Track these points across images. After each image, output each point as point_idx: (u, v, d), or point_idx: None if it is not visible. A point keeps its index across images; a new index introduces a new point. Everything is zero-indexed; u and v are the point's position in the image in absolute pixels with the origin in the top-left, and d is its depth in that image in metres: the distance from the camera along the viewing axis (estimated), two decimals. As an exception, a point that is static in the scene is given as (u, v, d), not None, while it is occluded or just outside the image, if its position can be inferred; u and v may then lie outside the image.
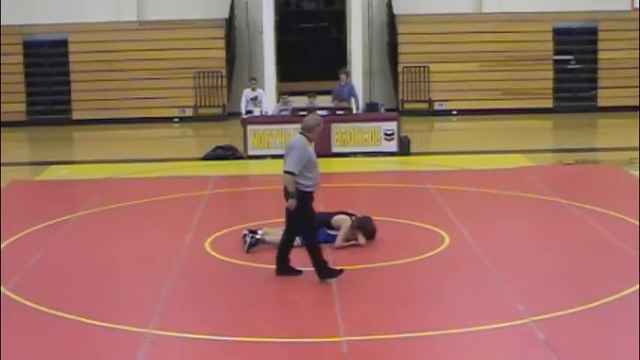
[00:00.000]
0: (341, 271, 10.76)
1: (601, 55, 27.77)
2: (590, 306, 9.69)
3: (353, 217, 12.45)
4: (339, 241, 12.26)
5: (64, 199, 16.69)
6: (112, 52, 27.35)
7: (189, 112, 27.40)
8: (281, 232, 12.41)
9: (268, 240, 12.32)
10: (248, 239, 12.25)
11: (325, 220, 12.52)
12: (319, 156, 19.58)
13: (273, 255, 11.94)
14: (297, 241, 12.31)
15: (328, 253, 11.95)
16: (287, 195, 10.59)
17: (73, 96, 27.51)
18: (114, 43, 27.38)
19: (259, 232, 12.40)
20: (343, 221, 12.37)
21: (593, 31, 27.87)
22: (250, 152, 20.25)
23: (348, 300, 10.04)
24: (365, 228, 12.40)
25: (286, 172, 10.54)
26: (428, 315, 9.65)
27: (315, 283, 10.83)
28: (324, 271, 10.73)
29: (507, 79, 27.32)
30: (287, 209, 10.76)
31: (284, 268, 11.05)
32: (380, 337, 8.95)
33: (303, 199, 10.63)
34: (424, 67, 27.33)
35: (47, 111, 27.62)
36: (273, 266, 11.47)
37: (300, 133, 10.81)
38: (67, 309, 9.85)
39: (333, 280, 10.64)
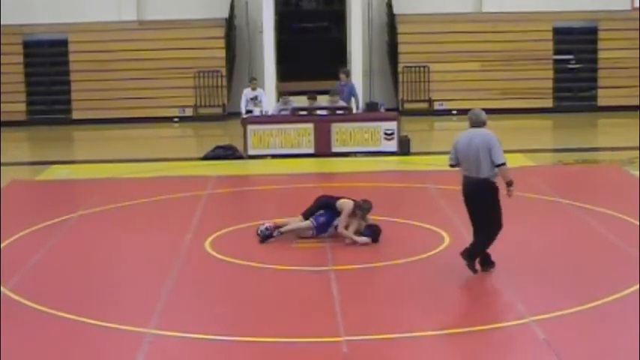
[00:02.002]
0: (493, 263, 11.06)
1: (601, 54, 27.76)
2: (590, 306, 9.69)
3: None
4: (340, 227, 12.35)
5: (64, 199, 16.68)
6: (112, 52, 27.33)
7: (189, 112, 27.39)
8: (296, 223, 12.41)
9: (284, 230, 12.48)
10: (261, 232, 12.42)
11: (331, 203, 12.58)
12: (319, 155, 19.91)
13: (273, 255, 11.96)
14: (312, 231, 12.37)
15: (328, 252, 11.97)
16: (509, 184, 10.84)
17: (73, 96, 27.49)
18: (114, 43, 27.36)
19: (267, 224, 12.56)
20: (345, 204, 12.44)
21: (593, 31, 27.86)
22: (250, 152, 20.24)
23: (348, 300, 10.04)
24: (362, 207, 12.48)
25: (502, 164, 10.75)
26: (428, 315, 9.65)
27: (315, 283, 10.83)
28: (488, 262, 11.01)
29: (507, 79, 27.30)
30: (475, 204, 10.96)
31: (488, 261, 11.09)
32: (380, 337, 8.95)
33: (495, 188, 10.86)
34: (424, 66, 27.32)
35: (47, 111, 27.60)
36: (273, 266, 11.48)
37: (476, 127, 10.97)
38: (67, 309, 9.85)
39: (492, 270, 10.97)
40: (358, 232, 12.43)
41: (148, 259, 12.06)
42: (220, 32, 27.53)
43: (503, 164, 10.76)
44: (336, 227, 12.47)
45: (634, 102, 26.58)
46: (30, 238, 13.20)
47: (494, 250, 11.92)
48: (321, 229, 12.56)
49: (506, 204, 15.32)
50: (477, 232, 11.05)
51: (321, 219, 12.54)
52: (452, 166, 11.17)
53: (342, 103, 20.68)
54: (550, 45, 27.69)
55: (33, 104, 27.66)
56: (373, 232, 12.44)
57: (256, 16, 27.55)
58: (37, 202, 16.54)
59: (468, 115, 11.22)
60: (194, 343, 8.97)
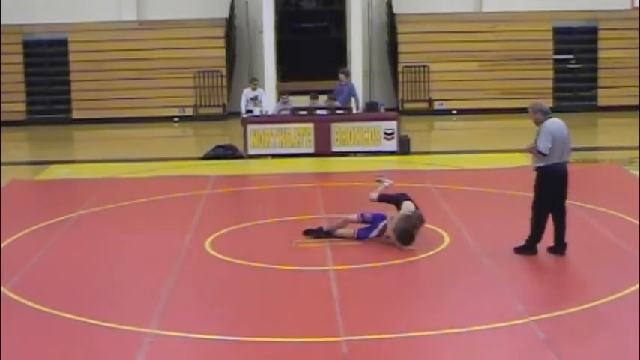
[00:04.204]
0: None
1: (601, 54, 27.76)
2: (590, 306, 9.69)
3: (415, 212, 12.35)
4: (389, 227, 12.22)
5: (64, 199, 16.68)
6: (112, 52, 27.34)
7: (189, 112, 27.39)
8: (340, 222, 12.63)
9: (326, 228, 12.61)
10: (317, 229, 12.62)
11: (399, 202, 12.48)
12: (319, 155, 19.91)
13: (274, 254, 11.96)
14: (355, 234, 12.33)
15: (328, 252, 11.97)
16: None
17: (73, 96, 27.50)
18: (114, 43, 27.38)
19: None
20: (405, 206, 12.32)
21: (593, 31, 27.87)
22: (250, 152, 20.24)
23: (348, 300, 10.04)
24: (409, 219, 12.18)
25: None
26: (428, 315, 9.65)
27: (315, 283, 10.84)
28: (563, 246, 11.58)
29: (507, 79, 27.30)
30: (564, 187, 11.67)
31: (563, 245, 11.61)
32: (380, 337, 8.95)
33: None
34: (424, 66, 27.33)
35: (47, 111, 27.61)
36: (273, 266, 11.48)
37: (550, 117, 12.15)
38: (67, 309, 9.84)
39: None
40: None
41: (148, 259, 12.06)
42: (220, 32, 27.54)
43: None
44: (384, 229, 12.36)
45: (634, 102, 26.58)
46: (30, 238, 13.19)
47: (503, 248, 11.94)
48: (362, 234, 12.41)
49: (507, 204, 15.35)
50: (557, 217, 11.63)
51: (368, 215, 12.52)
52: (545, 155, 11.78)
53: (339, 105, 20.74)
54: (550, 45, 27.69)
55: (33, 104, 27.67)
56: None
57: (256, 16, 27.56)
58: (37, 202, 16.54)
59: (538, 107, 12.34)
60: (194, 343, 8.97)
